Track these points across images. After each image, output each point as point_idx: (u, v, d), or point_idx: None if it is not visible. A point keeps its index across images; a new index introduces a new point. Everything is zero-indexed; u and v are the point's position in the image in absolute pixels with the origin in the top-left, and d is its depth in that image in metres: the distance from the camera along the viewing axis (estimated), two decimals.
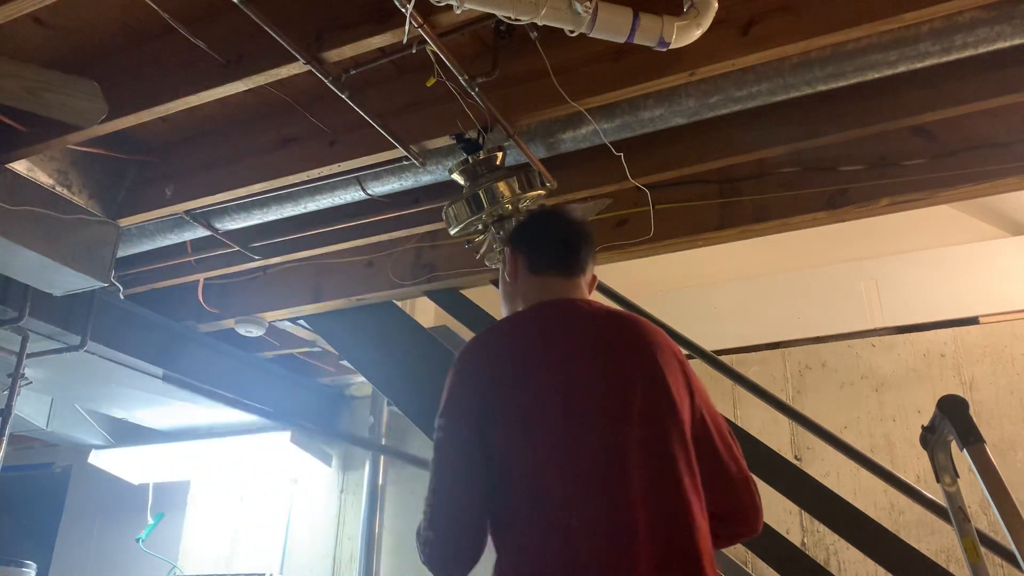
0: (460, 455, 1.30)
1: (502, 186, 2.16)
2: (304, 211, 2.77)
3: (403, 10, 1.77)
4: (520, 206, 2.22)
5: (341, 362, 3.93)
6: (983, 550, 1.89)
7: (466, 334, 3.26)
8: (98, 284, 2.72)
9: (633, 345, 1.41)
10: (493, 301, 3.16)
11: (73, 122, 2.26)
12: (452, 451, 1.31)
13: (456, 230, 2.26)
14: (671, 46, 1.84)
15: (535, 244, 1.57)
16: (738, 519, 1.41)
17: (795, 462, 3.31)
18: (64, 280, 2.68)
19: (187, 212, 2.78)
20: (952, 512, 1.93)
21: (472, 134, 2.25)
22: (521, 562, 1.25)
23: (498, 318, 3.07)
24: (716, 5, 1.86)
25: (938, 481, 1.97)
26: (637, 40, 1.82)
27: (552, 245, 1.56)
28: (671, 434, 1.32)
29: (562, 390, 1.32)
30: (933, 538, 3.11)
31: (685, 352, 2.88)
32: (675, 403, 1.35)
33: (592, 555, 1.21)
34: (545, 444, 1.28)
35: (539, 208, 2.14)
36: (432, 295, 3.18)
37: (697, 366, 3.37)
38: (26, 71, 2.18)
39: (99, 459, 4.26)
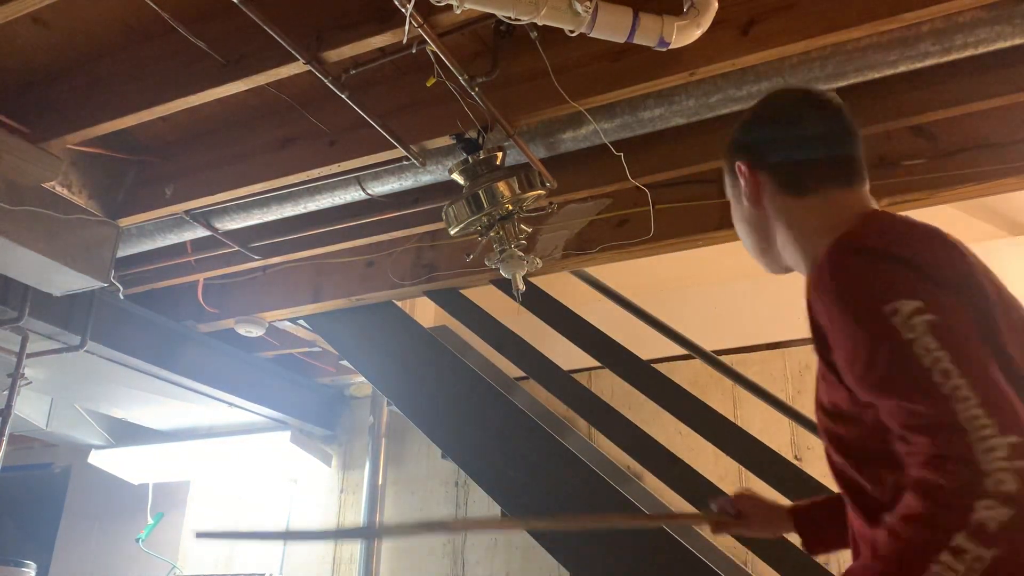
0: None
1: (502, 186, 2.16)
2: (304, 211, 2.77)
3: (403, 10, 1.77)
4: (521, 206, 2.22)
5: (341, 362, 3.93)
6: None
7: (466, 334, 3.25)
8: (98, 284, 2.72)
9: None
10: (493, 301, 3.18)
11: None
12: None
13: (456, 230, 2.26)
14: (671, 46, 1.84)
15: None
16: None
17: (795, 462, 3.30)
18: (64, 280, 2.68)
19: (187, 212, 2.79)
20: None
21: (472, 134, 2.25)
22: None
23: (496, 317, 3.10)
24: (716, 5, 1.86)
25: None
26: (637, 40, 1.82)
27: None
28: None
29: None
30: None
31: (685, 352, 2.92)
32: None
33: None
34: None
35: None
36: (432, 295, 3.18)
37: (697, 366, 3.43)
38: None
39: (99, 459, 4.26)
